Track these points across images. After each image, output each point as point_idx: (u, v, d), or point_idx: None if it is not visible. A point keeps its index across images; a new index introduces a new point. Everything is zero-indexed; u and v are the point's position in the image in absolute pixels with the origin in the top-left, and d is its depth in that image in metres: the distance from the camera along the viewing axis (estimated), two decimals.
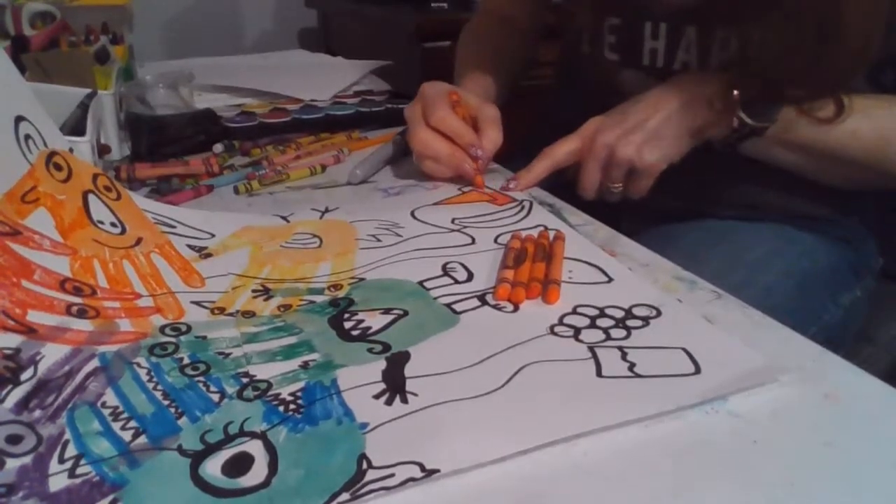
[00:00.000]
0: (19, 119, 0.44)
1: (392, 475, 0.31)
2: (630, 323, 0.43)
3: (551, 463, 0.32)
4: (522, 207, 0.61)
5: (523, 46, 0.90)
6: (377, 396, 0.36)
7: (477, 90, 0.77)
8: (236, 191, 0.66)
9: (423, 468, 0.31)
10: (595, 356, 0.39)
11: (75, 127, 0.58)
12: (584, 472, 0.31)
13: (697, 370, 0.38)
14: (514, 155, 0.77)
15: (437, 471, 0.31)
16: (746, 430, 0.34)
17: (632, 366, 0.38)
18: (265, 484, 0.30)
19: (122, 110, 0.76)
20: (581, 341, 0.41)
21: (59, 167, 0.46)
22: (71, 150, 0.48)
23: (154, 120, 0.78)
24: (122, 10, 0.94)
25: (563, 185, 0.77)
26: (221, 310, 0.45)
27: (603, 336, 0.41)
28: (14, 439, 0.33)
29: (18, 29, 0.83)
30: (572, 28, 0.79)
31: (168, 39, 2.02)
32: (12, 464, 0.32)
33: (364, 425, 0.34)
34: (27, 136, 0.44)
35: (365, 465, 0.31)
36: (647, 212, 0.72)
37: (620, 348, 0.40)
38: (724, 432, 0.34)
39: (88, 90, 0.65)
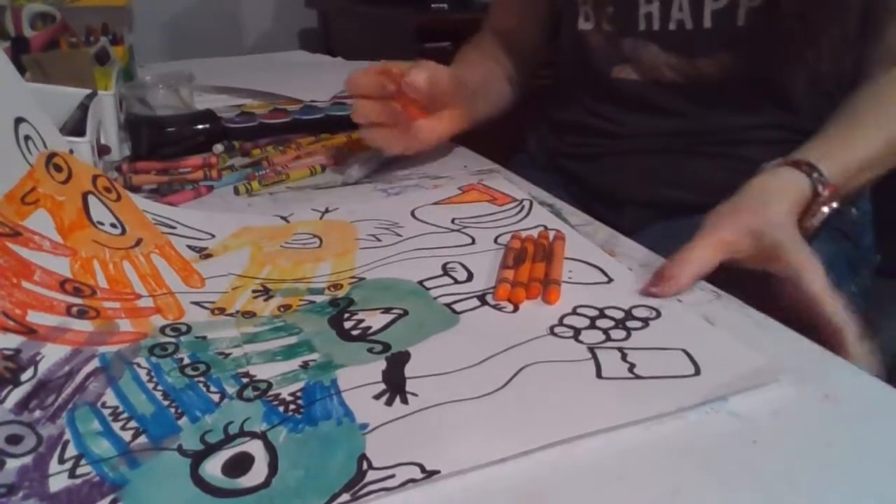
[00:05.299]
0: (19, 120, 0.44)
1: (392, 476, 0.31)
2: (630, 324, 0.43)
3: (551, 463, 0.32)
4: (522, 207, 0.61)
5: (516, 71, 0.87)
6: (377, 397, 0.36)
7: None
8: (236, 191, 0.66)
9: (423, 469, 0.31)
10: (595, 357, 0.39)
11: (75, 128, 0.58)
12: (584, 472, 0.31)
13: (697, 371, 0.38)
14: (513, 155, 0.77)
15: (438, 472, 0.31)
16: (746, 430, 0.34)
17: (632, 367, 0.38)
18: (265, 484, 0.30)
19: (122, 111, 0.76)
20: (581, 342, 0.41)
21: (58, 168, 0.46)
22: (71, 151, 0.48)
23: (154, 120, 0.78)
24: (122, 10, 0.94)
25: (562, 184, 0.77)
26: (221, 310, 0.45)
27: (603, 337, 0.41)
28: (14, 439, 0.33)
29: (18, 30, 0.83)
30: (570, 6, 0.79)
31: (168, 40, 2.02)
32: (12, 464, 0.32)
33: (364, 426, 0.34)
34: (27, 138, 0.45)
35: (365, 466, 0.31)
36: (648, 208, 0.72)
37: (620, 349, 0.40)
38: (724, 432, 0.34)
39: (88, 91, 0.65)
